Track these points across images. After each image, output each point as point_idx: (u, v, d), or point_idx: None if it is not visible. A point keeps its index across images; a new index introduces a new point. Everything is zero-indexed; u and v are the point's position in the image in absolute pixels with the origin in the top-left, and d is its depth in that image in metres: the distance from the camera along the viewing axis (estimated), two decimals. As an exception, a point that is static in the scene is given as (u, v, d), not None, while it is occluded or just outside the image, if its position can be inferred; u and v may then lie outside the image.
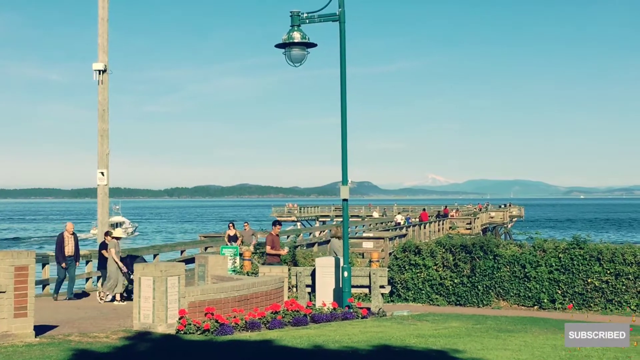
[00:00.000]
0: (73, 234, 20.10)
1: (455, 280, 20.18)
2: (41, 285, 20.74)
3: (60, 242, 19.66)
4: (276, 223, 20.47)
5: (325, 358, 9.38)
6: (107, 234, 20.77)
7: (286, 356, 9.56)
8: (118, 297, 19.00)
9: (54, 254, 20.76)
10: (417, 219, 58.64)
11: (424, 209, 72.29)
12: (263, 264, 20.88)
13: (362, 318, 14.36)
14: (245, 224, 28.71)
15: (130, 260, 19.96)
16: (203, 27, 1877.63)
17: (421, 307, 19.00)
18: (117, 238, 20.13)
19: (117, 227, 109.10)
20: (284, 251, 20.13)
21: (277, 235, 19.99)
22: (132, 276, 19.53)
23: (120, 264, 19.26)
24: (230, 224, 27.35)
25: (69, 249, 19.70)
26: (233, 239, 26.32)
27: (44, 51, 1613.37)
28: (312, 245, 32.41)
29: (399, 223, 54.81)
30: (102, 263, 19.86)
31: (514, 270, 19.63)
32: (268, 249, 19.51)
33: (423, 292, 20.41)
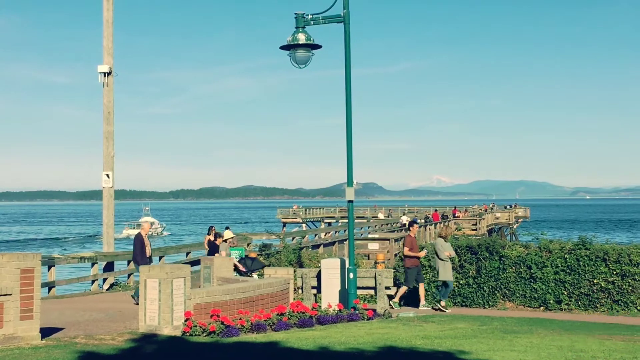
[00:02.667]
0: (146, 234, 19.58)
1: (461, 282, 20.13)
2: (47, 288, 20.77)
3: (141, 243, 19.11)
4: (413, 223, 19.47)
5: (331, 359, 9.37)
6: (217, 236, 20.43)
7: (292, 358, 9.55)
8: None
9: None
10: (423, 220, 58.69)
11: (436, 210, 72.63)
12: (268, 265, 20.79)
13: (367, 319, 14.35)
14: (227, 228, 27.69)
15: (248, 261, 20.04)
16: (208, 28, 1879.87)
17: (426, 309, 18.96)
18: (226, 240, 19.84)
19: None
20: (422, 253, 19.03)
21: (415, 236, 19.16)
22: (251, 277, 19.63)
23: (239, 266, 19.09)
24: (212, 228, 26.37)
25: (149, 250, 19.23)
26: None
27: (48, 53, 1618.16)
28: (318, 246, 32.39)
29: (405, 224, 54.78)
30: None
31: (520, 271, 19.57)
32: (406, 250, 18.56)
33: (429, 293, 20.36)
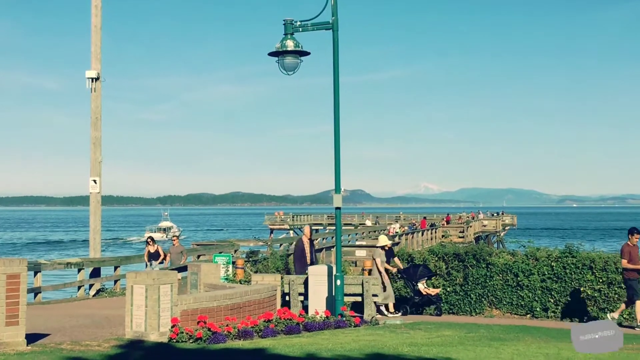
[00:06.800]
0: (310, 239, 18.97)
1: (448, 289, 20.19)
2: (33, 294, 20.65)
3: (301, 250, 18.46)
4: (634, 231, 16.85)
5: (318, 366, 9.36)
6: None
7: (279, 365, 9.54)
8: (391, 307, 18.75)
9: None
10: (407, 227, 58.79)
11: (425, 218, 72.77)
12: (253, 272, 20.50)
13: (354, 326, 14.34)
14: (175, 239, 26.55)
15: (413, 270, 19.68)
16: (197, 35, 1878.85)
17: (414, 316, 18.98)
18: (382, 247, 19.46)
19: (166, 231, 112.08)
20: None
21: (635, 245, 16.79)
22: (416, 287, 19.19)
23: (385, 275, 18.67)
24: (150, 240, 25.03)
25: (309, 256, 18.56)
26: (154, 256, 24.60)
27: (36, 59, 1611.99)
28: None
29: (397, 232, 54.71)
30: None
31: (507, 279, 19.65)
32: (624, 262, 16.70)
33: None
